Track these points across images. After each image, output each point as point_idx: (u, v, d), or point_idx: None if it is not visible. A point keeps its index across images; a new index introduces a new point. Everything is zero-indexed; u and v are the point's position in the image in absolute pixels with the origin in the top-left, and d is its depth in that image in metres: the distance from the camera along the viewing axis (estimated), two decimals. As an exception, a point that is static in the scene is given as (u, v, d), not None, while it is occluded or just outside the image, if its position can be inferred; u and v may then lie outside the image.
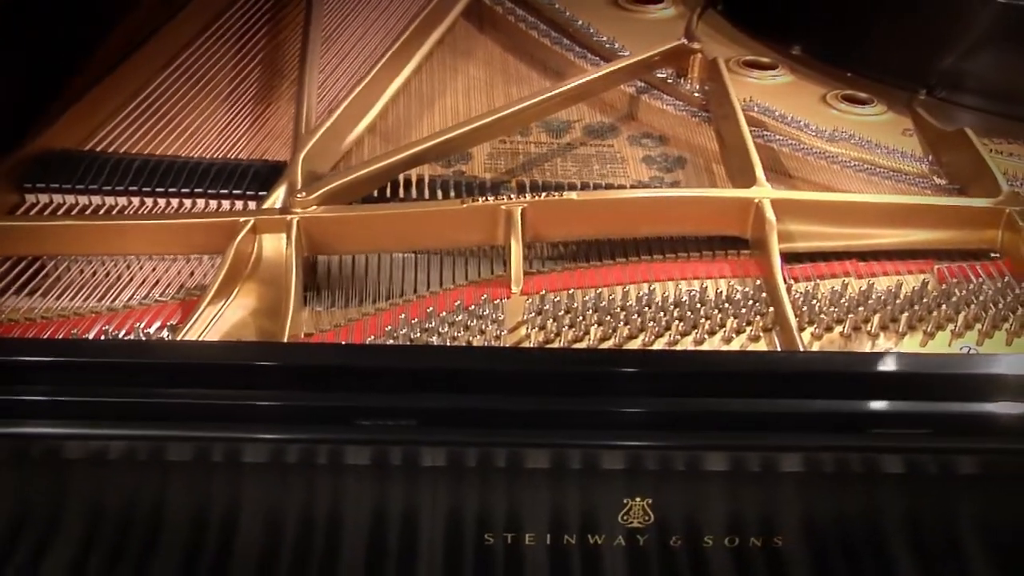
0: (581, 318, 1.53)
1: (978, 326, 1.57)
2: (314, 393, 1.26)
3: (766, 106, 2.02)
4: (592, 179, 1.87)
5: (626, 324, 1.52)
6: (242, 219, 1.61)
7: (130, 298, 1.57)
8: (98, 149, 1.83)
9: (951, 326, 1.57)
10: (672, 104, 2.07)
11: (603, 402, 1.28)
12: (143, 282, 1.61)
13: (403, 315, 1.52)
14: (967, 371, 1.34)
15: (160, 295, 1.58)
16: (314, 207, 1.64)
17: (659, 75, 2.12)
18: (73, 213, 1.70)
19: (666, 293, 1.59)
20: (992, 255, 1.72)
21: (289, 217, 1.62)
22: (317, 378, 1.26)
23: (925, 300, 1.59)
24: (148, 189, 1.73)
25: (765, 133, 1.98)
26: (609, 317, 1.53)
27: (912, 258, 1.71)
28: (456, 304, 1.55)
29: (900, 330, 1.56)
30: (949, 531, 1.36)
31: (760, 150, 1.92)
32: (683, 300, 1.57)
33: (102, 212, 1.71)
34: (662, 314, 1.54)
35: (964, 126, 1.96)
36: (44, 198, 1.72)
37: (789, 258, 1.69)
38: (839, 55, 2.21)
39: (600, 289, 1.59)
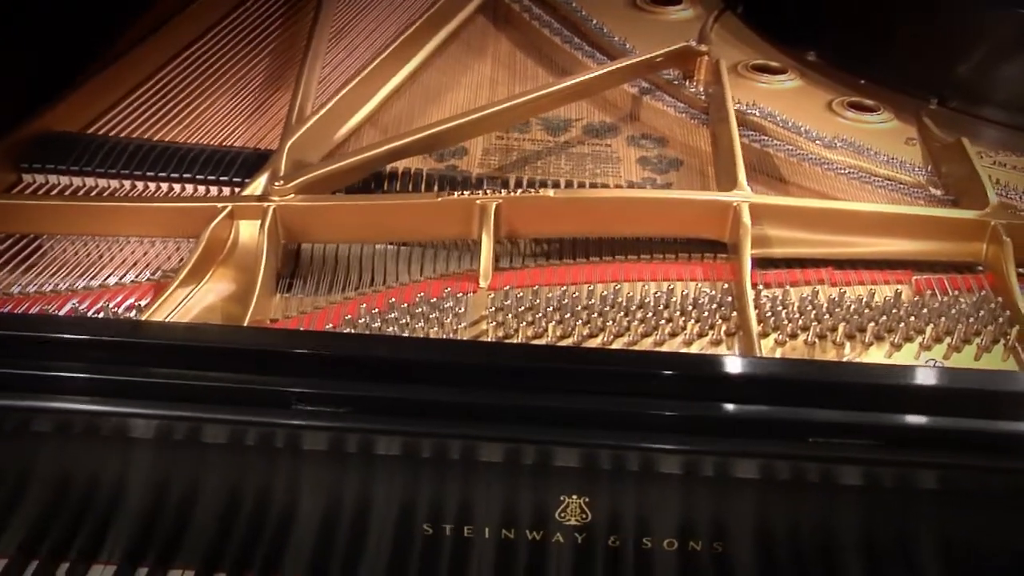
0: (542, 315, 1.53)
1: (948, 339, 1.54)
2: (248, 375, 1.29)
3: (768, 111, 2.01)
4: (584, 178, 1.88)
5: (586, 323, 1.52)
6: (220, 205, 1.64)
7: (107, 278, 1.61)
8: (100, 133, 1.87)
9: (920, 338, 1.54)
10: (674, 106, 2.06)
11: (532, 398, 1.29)
12: (122, 263, 1.64)
13: (363, 305, 1.53)
14: (901, 383, 1.32)
15: (136, 276, 1.61)
16: (292, 195, 1.67)
17: (665, 77, 2.11)
18: (66, 194, 1.74)
19: (631, 293, 1.58)
20: (979, 268, 1.69)
21: (266, 204, 1.65)
22: (252, 361, 1.29)
23: (895, 311, 1.57)
24: (139, 173, 1.77)
25: (763, 138, 1.96)
26: (570, 315, 1.53)
27: (891, 268, 1.68)
28: (419, 296, 1.56)
29: (866, 340, 1.54)
30: (888, 543, 1.34)
31: (756, 155, 1.93)
32: (647, 301, 1.57)
33: (93, 194, 1.75)
34: (623, 314, 1.54)
35: (973, 137, 1.94)
36: (40, 178, 1.77)
37: (765, 263, 1.68)
38: (854, 62, 2.19)
39: (567, 287, 1.59)
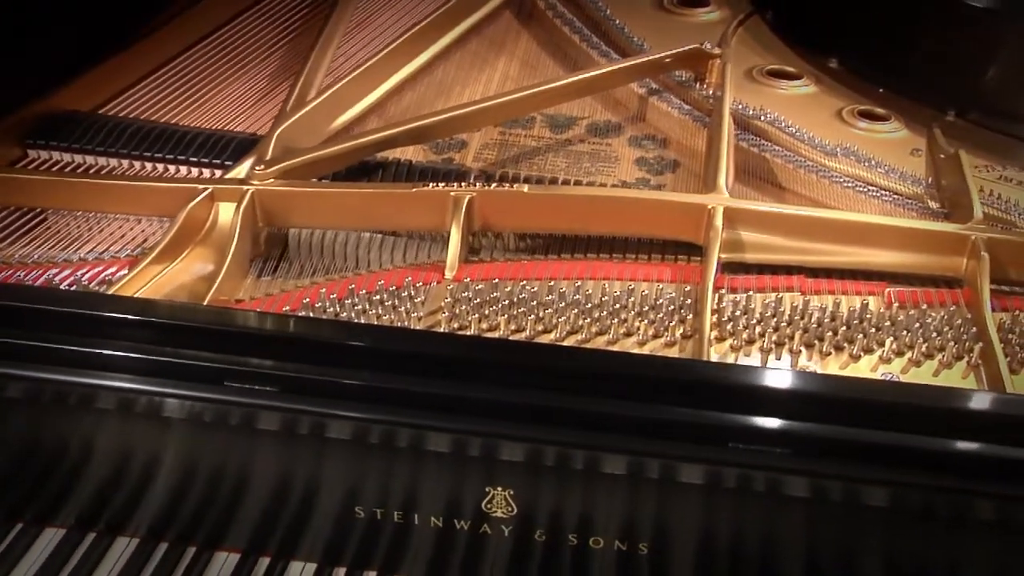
0: (497, 310, 1.54)
1: (909, 354, 1.51)
2: (187, 351, 1.33)
3: (775, 116, 1.98)
4: (578, 176, 1.88)
5: (539, 319, 1.53)
6: (201, 186, 1.69)
7: (89, 252, 1.66)
8: (111, 114, 1.94)
9: (881, 351, 1.51)
10: (679, 108, 2.05)
11: (451, 387, 1.30)
12: (108, 237, 1.70)
13: (323, 290, 1.56)
14: (829, 393, 1.30)
15: (117, 251, 1.67)
16: (271, 180, 1.71)
17: (676, 78, 2.11)
18: (66, 171, 1.81)
19: (590, 291, 1.58)
20: (961, 283, 1.65)
21: (245, 188, 1.69)
22: (187, 337, 1.32)
23: (857, 322, 1.54)
24: (136, 153, 1.83)
25: (763, 143, 1.94)
26: (524, 310, 1.54)
27: (867, 279, 1.65)
28: (379, 284, 1.59)
29: (824, 350, 1.52)
30: (803, 551, 1.33)
31: (754, 159, 1.91)
32: (605, 300, 1.57)
33: (92, 171, 1.81)
34: (577, 312, 1.54)
35: (989, 150, 1.90)
36: (44, 154, 1.84)
37: (737, 268, 1.66)
38: (876, 70, 2.14)
39: (526, 282, 1.60)
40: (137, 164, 1.83)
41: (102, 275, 1.60)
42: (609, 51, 2.20)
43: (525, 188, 1.70)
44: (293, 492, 1.38)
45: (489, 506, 1.37)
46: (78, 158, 1.84)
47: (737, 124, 1.98)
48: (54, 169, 1.82)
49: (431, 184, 1.70)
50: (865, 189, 1.85)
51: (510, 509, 1.37)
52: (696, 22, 2.36)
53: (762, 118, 1.98)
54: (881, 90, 2.12)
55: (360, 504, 1.40)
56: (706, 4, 2.41)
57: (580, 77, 2.00)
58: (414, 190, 1.69)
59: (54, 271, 1.61)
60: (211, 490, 1.39)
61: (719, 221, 1.65)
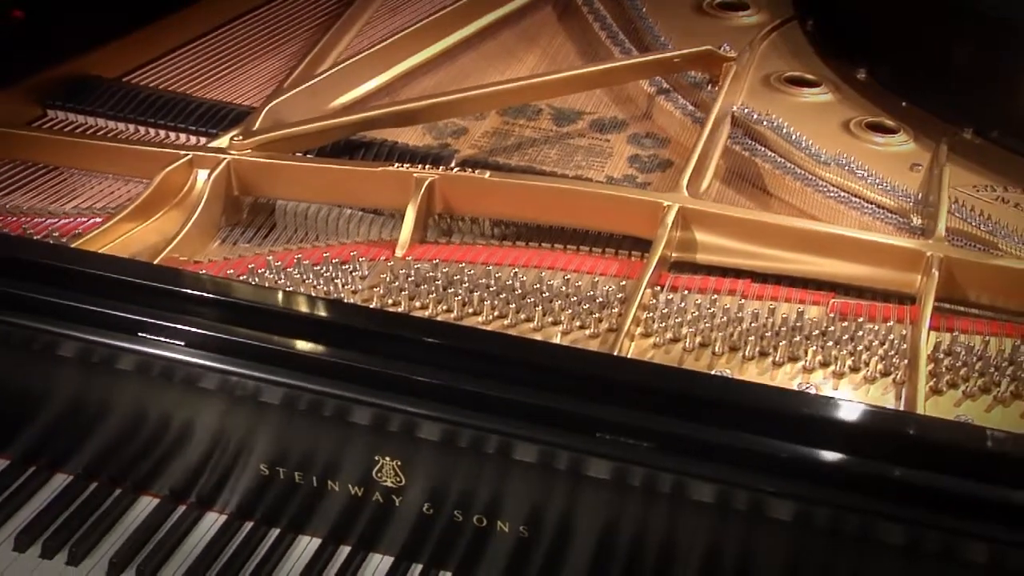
0: (430, 289, 1.58)
1: (833, 366, 1.49)
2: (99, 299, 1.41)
3: (778, 122, 1.95)
4: (567, 169, 1.90)
5: (467, 303, 1.56)
6: (182, 152, 1.77)
7: (74, 207, 1.77)
8: (133, 82, 2.05)
9: (803, 361, 1.49)
10: (682, 108, 2.04)
11: (339, 354, 1.34)
12: (98, 194, 1.80)
13: (270, 257, 1.63)
14: (701, 394, 1.29)
15: (100, 207, 1.76)
16: (248, 151, 1.78)
17: (689, 79, 2.10)
18: (77, 132, 1.92)
19: (524, 278, 1.60)
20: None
21: (222, 157, 1.76)
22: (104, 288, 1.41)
23: (786, 329, 1.52)
24: (142, 119, 1.94)
25: (757, 148, 1.92)
26: (452, 291, 1.57)
27: (817, 288, 1.63)
28: (325, 256, 1.64)
29: (747, 354, 1.51)
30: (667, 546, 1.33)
31: (745, 164, 1.89)
32: (537, 288, 1.58)
33: (100, 134, 1.92)
34: (505, 297, 1.56)
35: (1003, 172, 1.85)
36: (61, 115, 1.96)
37: (687, 268, 1.66)
38: (902, 83, 2.09)
39: (464, 264, 1.63)
40: (142, 129, 1.94)
41: (74, 231, 1.69)
42: (631, 50, 2.20)
43: (486, 175, 1.73)
44: (197, 441, 1.45)
45: (379, 475, 1.41)
46: (91, 120, 1.95)
47: (739, 127, 1.96)
48: (66, 130, 1.93)
49: (397, 165, 1.74)
50: (848, 200, 1.81)
51: (399, 479, 1.40)
52: (732, 26, 2.35)
53: (764, 123, 1.95)
54: (904, 104, 2.06)
55: (263, 461, 1.45)
56: (746, 8, 2.38)
57: (578, 72, 2.01)
58: (379, 169, 1.74)
59: (26, 220, 1.71)
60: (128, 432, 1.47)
61: (669, 219, 1.64)
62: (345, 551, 1.45)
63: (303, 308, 1.41)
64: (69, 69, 2.01)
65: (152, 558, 1.42)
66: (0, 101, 1.90)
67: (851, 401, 1.34)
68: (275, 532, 1.47)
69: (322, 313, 1.41)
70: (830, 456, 1.21)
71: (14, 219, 1.72)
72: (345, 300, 1.57)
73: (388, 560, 1.44)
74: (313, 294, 1.58)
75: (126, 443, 1.48)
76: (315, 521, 1.46)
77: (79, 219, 1.73)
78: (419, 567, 1.43)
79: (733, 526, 1.29)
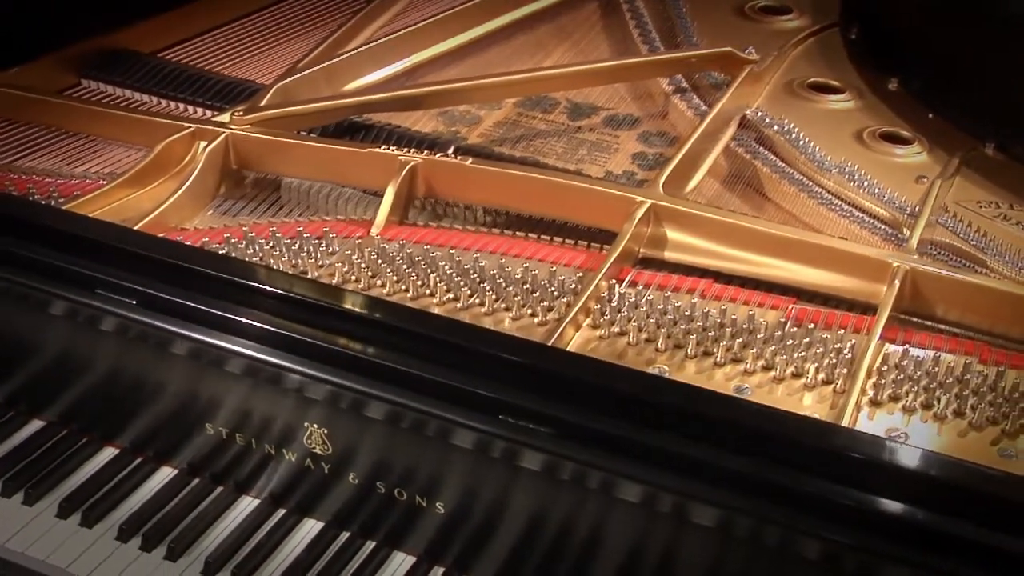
0: (391, 269, 1.61)
1: (774, 371, 1.47)
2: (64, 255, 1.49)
3: (788, 127, 1.92)
4: (570, 163, 1.91)
5: (423, 284, 1.59)
6: (186, 124, 1.84)
7: (82, 171, 1.86)
8: (168, 58, 2.14)
9: (746, 364, 1.48)
10: (694, 108, 2.02)
11: (269, 321, 1.40)
12: (104, 161, 1.88)
13: (245, 228, 1.68)
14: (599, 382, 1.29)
15: (107, 172, 1.85)
16: (248, 126, 1.84)
17: (710, 80, 2.09)
18: (96, 101, 2.02)
19: (482, 263, 1.62)
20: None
21: (222, 131, 1.83)
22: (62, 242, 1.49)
23: (732, 330, 1.50)
24: (164, 92, 2.02)
25: (761, 151, 1.89)
26: (413, 273, 1.59)
27: (782, 293, 1.61)
28: (298, 230, 1.69)
29: (689, 353, 1.50)
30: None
31: (746, 166, 1.87)
32: (493, 274, 1.60)
33: (122, 104, 2.01)
34: (461, 281, 1.58)
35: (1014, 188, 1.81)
36: (94, 85, 2.06)
37: (654, 265, 1.66)
38: (932, 95, 2.03)
39: (429, 246, 1.66)
40: (163, 102, 2.02)
41: (73, 192, 1.77)
42: (659, 48, 2.19)
43: (468, 161, 1.75)
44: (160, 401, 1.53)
45: (309, 441, 1.44)
46: (118, 91, 2.05)
47: (750, 130, 1.94)
48: (93, 99, 2.03)
49: (384, 147, 1.78)
50: (840, 208, 1.77)
51: (326, 448, 1.44)
52: (772, 29, 2.31)
53: (775, 127, 1.93)
54: (931, 115, 2.01)
55: (206, 420, 1.50)
56: (788, 12, 2.35)
57: (592, 67, 2.03)
58: (366, 151, 1.78)
59: (36, 180, 1.80)
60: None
61: (638, 215, 1.64)
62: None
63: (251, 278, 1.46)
64: (108, 42, 2.11)
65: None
66: (36, 68, 2.00)
67: (758, 405, 1.33)
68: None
69: (261, 284, 1.45)
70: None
71: (26, 178, 1.81)
72: (309, 274, 1.61)
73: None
74: (280, 266, 1.62)
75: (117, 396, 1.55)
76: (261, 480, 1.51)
77: (85, 182, 1.81)
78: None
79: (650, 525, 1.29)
